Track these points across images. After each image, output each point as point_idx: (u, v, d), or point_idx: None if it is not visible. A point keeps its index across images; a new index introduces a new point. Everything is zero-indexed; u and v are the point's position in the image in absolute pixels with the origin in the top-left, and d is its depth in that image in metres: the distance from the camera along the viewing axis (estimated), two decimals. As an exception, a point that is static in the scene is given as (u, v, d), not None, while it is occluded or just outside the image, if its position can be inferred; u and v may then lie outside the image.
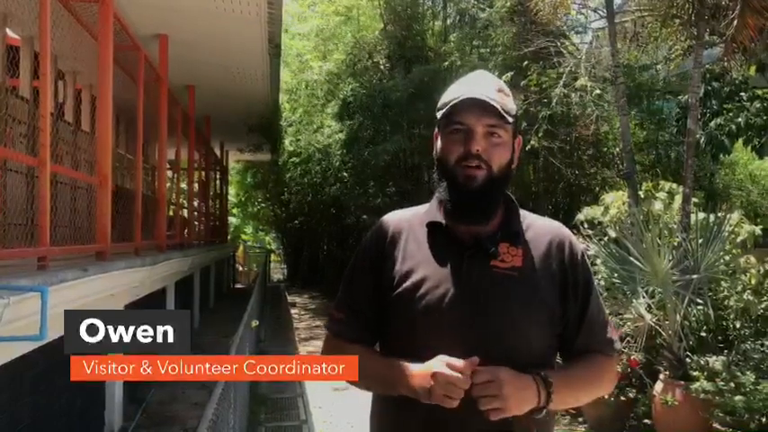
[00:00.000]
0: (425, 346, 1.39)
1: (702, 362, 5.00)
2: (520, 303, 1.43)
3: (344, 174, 13.01)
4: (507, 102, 1.48)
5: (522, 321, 1.43)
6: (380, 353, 1.54)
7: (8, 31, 6.39)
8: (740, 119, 8.02)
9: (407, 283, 1.47)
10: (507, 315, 1.42)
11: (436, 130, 1.54)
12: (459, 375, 1.32)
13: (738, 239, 5.69)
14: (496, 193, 1.49)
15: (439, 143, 1.52)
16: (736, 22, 5.89)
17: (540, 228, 1.55)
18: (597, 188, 9.50)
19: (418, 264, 1.48)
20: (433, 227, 1.52)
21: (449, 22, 13.08)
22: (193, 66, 8.94)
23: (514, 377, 1.35)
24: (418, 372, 1.37)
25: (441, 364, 1.34)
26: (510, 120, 1.46)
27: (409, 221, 1.57)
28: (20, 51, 6.57)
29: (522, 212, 1.56)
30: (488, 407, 1.32)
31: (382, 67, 12.32)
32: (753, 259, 5.61)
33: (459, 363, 1.33)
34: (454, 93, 1.49)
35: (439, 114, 1.51)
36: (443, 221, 1.51)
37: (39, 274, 3.41)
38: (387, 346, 1.53)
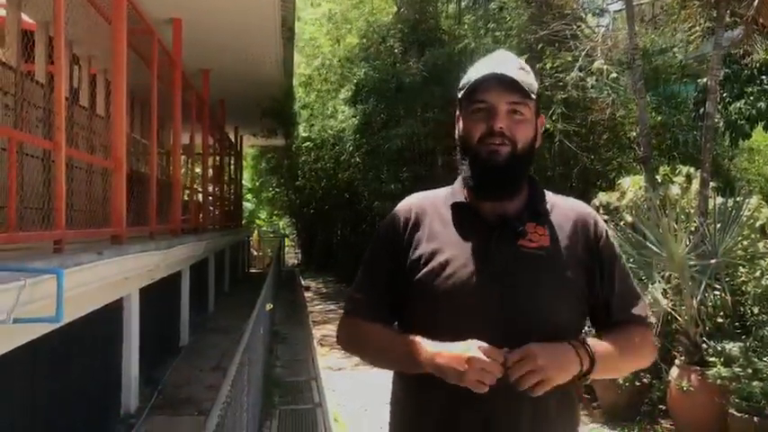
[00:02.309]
0: (451, 327, 1.37)
1: (719, 347, 4.95)
2: (549, 283, 1.42)
3: (357, 159, 12.98)
4: (529, 79, 1.46)
5: (552, 301, 1.41)
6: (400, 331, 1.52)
7: (23, 15, 6.41)
8: (761, 103, 7.88)
9: (433, 264, 1.45)
10: (536, 295, 1.40)
11: (458, 111, 1.52)
12: (496, 362, 1.30)
13: (757, 224, 5.61)
14: (520, 169, 1.47)
15: (461, 123, 1.51)
16: (756, 2, 5.77)
17: (564, 207, 1.54)
18: (613, 173, 9.41)
19: (444, 244, 1.47)
20: (458, 207, 1.51)
21: (463, 4, 12.94)
22: (207, 50, 8.93)
23: (546, 347, 1.33)
24: (449, 353, 1.33)
25: (475, 349, 1.31)
26: (533, 96, 1.45)
27: (433, 202, 1.55)
28: (35, 36, 6.60)
29: (546, 192, 1.55)
30: (529, 383, 1.29)
31: (396, 50, 12.22)
32: (772, 244, 5.54)
33: (494, 351, 1.31)
34: (475, 72, 1.47)
35: (460, 94, 1.50)
36: (468, 201, 1.50)
37: (55, 256, 3.43)
38: (407, 326, 1.50)
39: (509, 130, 1.43)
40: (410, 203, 1.57)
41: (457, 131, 1.52)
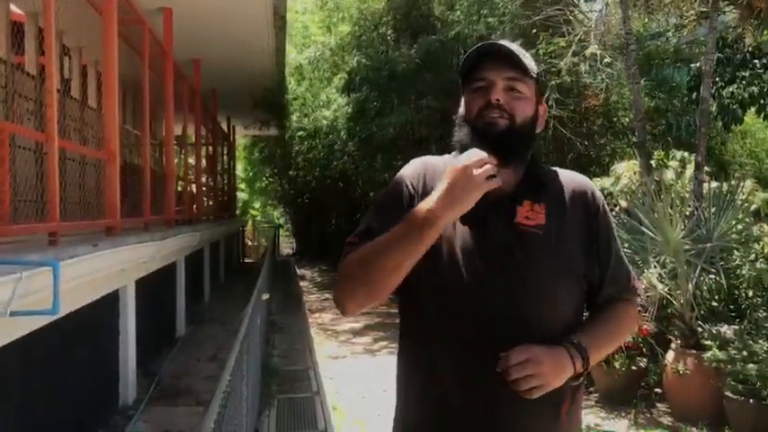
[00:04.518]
0: (445, 307, 1.37)
1: (714, 331, 4.99)
2: (546, 262, 1.41)
3: (351, 147, 12.94)
4: (527, 59, 1.45)
5: (550, 281, 1.41)
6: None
7: (12, 6, 6.34)
8: (754, 87, 7.88)
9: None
10: (533, 275, 1.39)
11: (462, 95, 1.52)
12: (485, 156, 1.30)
13: (751, 208, 5.64)
14: (518, 143, 1.44)
15: (462, 103, 1.50)
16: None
17: (561, 180, 1.53)
18: (607, 159, 9.42)
19: None
20: None
21: (455, -10, 12.87)
22: (199, 39, 8.85)
23: (549, 353, 1.34)
24: (446, 181, 1.30)
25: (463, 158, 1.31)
26: (531, 75, 1.44)
27: (443, 166, 1.49)
28: (24, 27, 6.53)
29: (543, 167, 1.55)
30: (528, 386, 1.31)
31: (389, 38, 12.15)
32: (766, 228, 5.56)
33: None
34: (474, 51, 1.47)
35: (461, 77, 1.49)
36: None
37: (50, 249, 3.42)
38: (403, 303, 1.51)
39: (507, 104, 1.42)
40: (426, 163, 1.54)
41: (460, 112, 1.51)
